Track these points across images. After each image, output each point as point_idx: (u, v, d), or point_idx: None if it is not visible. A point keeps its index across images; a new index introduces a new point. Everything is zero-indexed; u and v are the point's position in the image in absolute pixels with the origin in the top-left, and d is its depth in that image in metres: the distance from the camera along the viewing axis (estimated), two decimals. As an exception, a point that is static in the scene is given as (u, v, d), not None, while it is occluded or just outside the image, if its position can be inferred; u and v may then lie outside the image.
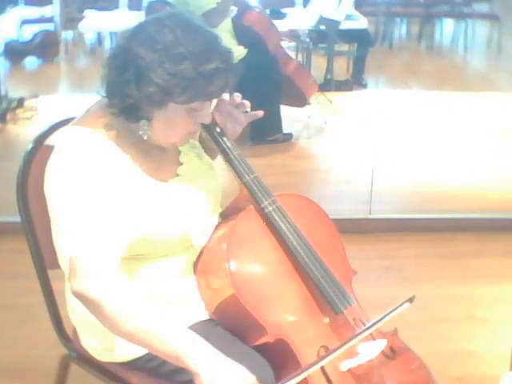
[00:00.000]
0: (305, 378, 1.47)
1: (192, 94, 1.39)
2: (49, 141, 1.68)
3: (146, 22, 1.42)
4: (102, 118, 1.46)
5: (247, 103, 1.64)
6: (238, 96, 1.64)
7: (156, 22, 1.40)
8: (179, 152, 1.61)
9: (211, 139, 1.61)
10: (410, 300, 1.51)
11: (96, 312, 1.37)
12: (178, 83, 1.37)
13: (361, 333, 1.47)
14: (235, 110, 1.63)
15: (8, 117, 5.02)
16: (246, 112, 1.65)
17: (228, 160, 1.60)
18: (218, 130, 1.60)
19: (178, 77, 1.36)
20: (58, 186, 1.41)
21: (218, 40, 1.43)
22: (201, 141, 1.71)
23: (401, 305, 1.50)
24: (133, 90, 1.38)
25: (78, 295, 1.37)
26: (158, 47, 1.36)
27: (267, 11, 5.35)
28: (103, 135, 1.44)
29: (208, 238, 1.60)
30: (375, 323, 1.48)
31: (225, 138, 1.60)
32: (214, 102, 1.60)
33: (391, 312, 1.49)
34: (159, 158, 1.53)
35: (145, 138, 1.47)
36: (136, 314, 1.35)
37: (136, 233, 1.45)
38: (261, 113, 1.66)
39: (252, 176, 1.60)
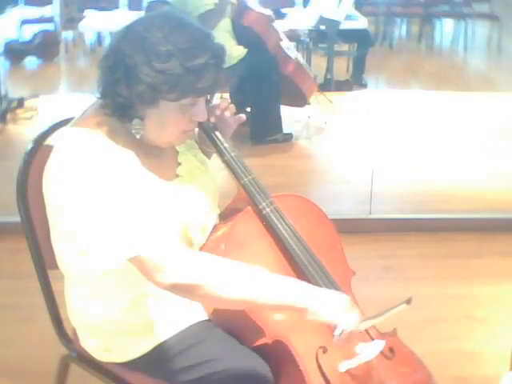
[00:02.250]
0: (303, 379, 1.48)
1: (182, 91, 1.39)
2: (49, 141, 1.68)
3: (135, 22, 1.43)
4: (101, 123, 1.45)
5: (232, 106, 1.64)
6: (226, 99, 1.64)
7: (145, 21, 1.41)
8: (177, 152, 1.60)
9: (209, 140, 1.61)
10: (408, 302, 1.51)
11: (199, 295, 1.38)
12: (166, 80, 1.36)
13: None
14: (225, 113, 1.63)
15: (8, 117, 5.02)
16: (235, 114, 1.66)
17: (225, 161, 1.60)
18: (216, 131, 1.60)
19: (166, 74, 1.36)
20: (77, 186, 1.38)
21: (208, 37, 1.43)
22: (195, 141, 1.71)
23: (398, 306, 1.51)
24: (123, 89, 1.38)
25: (175, 288, 1.37)
26: (146, 45, 1.36)
27: (267, 11, 5.35)
28: (102, 135, 1.44)
29: (207, 238, 1.60)
30: (373, 318, 1.51)
31: (222, 140, 1.60)
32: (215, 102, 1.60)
33: (387, 312, 1.50)
34: (158, 159, 1.53)
35: (137, 137, 1.46)
36: (234, 278, 1.39)
37: None
38: (244, 117, 1.67)
39: (250, 177, 1.60)
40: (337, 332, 1.43)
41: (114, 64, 1.39)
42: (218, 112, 1.62)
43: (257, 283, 1.41)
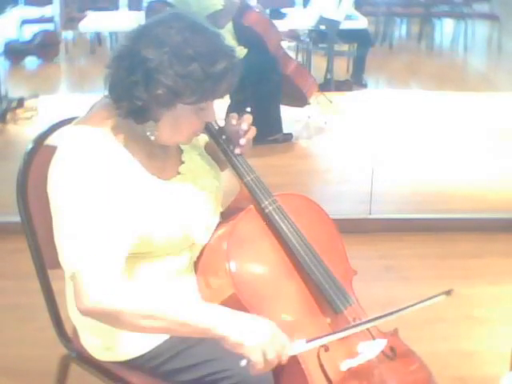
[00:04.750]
0: (304, 378, 1.48)
1: (201, 95, 1.39)
2: (49, 141, 1.68)
3: (151, 24, 1.41)
4: (107, 120, 1.45)
5: (254, 129, 1.62)
6: (248, 118, 1.61)
7: (162, 24, 1.40)
8: (181, 151, 1.61)
9: (213, 141, 1.62)
10: (447, 293, 1.54)
11: (112, 321, 1.37)
12: (187, 85, 1.37)
13: (388, 314, 1.50)
14: (241, 131, 1.61)
15: (8, 117, 5.02)
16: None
17: (228, 160, 1.61)
18: (218, 128, 1.60)
19: (188, 78, 1.36)
20: (62, 187, 1.40)
21: (222, 39, 1.43)
22: (207, 150, 1.70)
23: (437, 296, 1.55)
24: (142, 92, 1.38)
25: (90, 312, 1.36)
26: (167, 49, 1.36)
27: (267, 11, 5.35)
28: (106, 134, 1.44)
29: (209, 237, 1.60)
30: (405, 308, 1.52)
31: (225, 138, 1.60)
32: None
33: (424, 301, 1.54)
34: (162, 157, 1.53)
35: (152, 138, 1.46)
36: (152, 311, 1.35)
37: (139, 231, 1.45)
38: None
39: (252, 176, 1.60)
40: (243, 363, 1.33)
41: (130, 66, 1.38)
42: (245, 126, 1.60)
43: (172, 315, 1.35)
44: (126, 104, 1.41)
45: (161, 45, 1.36)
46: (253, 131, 1.62)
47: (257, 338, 1.32)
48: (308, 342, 1.40)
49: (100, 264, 1.35)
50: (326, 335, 1.46)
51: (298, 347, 1.40)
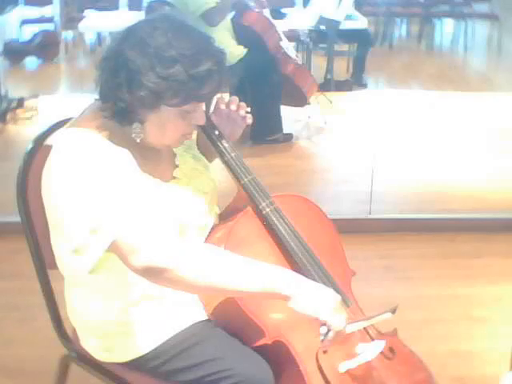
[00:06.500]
0: (303, 379, 1.48)
1: (184, 97, 1.39)
2: (49, 141, 1.68)
3: (137, 25, 1.41)
4: (95, 121, 1.45)
5: (244, 105, 1.64)
6: (235, 99, 1.64)
7: (147, 25, 1.40)
8: (174, 154, 1.60)
9: (209, 141, 1.61)
10: (393, 311, 1.51)
11: (168, 280, 1.36)
12: (169, 86, 1.36)
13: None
14: (233, 112, 1.63)
15: (8, 117, 5.02)
16: (247, 113, 1.66)
17: (226, 162, 1.60)
18: (217, 132, 1.60)
19: (170, 80, 1.36)
20: (69, 186, 1.38)
21: (210, 41, 1.43)
22: (197, 143, 1.70)
23: (382, 314, 1.52)
24: (124, 94, 1.38)
25: (145, 270, 1.35)
26: (149, 50, 1.36)
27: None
28: (99, 136, 1.43)
29: (205, 239, 1.59)
30: (359, 322, 1.52)
31: (223, 140, 1.60)
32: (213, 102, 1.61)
33: (372, 319, 1.51)
34: (155, 160, 1.53)
35: (138, 140, 1.46)
36: (209, 267, 1.37)
37: None
38: (251, 120, 1.67)
39: (250, 177, 1.60)
40: (322, 331, 1.41)
41: (115, 67, 1.38)
42: (234, 107, 1.63)
43: (235, 269, 1.38)
44: (111, 105, 1.41)
45: (144, 46, 1.36)
46: (243, 107, 1.64)
47: (324, 304, 1.39)
48: (348, 323, 1.45)
49: (139, 224, 1.36)
50: (360, 320, 1.52)
51: (352, 327, 1.46)
